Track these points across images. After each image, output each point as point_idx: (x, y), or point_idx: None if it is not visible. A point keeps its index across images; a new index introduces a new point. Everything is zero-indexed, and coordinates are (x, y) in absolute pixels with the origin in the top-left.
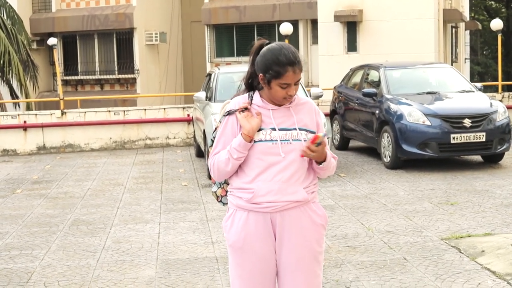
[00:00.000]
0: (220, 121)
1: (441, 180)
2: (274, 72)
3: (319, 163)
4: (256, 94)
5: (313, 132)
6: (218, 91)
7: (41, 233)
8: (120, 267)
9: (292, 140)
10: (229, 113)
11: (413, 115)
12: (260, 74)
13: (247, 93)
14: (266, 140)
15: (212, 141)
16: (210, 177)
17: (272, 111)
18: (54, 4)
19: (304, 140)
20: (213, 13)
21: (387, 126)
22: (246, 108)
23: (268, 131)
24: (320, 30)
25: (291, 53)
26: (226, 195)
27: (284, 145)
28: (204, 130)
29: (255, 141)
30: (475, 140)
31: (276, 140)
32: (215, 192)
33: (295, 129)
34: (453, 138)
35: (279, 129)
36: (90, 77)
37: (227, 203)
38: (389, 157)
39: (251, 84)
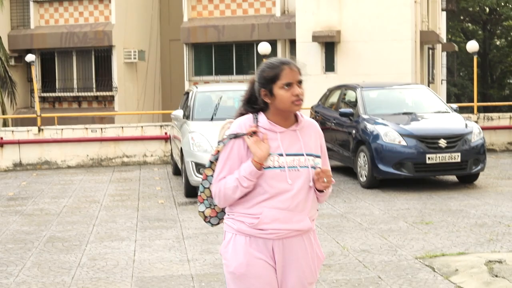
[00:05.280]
0: (223, 143)
1: (417, 199)
2: (271, 76)
3: (320, 190)
4: (262, 116)
5: (318, 157)
6: (196, 110)
7: (16, 249)
8: (95, 284)
9: (300, 167)
10: (236, 136)
11: (389, 135)
12: (261, 89)
13: (251, 114)
14: (274, 167)
15: (211, 162)
16: (187, 195)
17: (280, 134)
18: (33, 21)
19: (312, 167)
20: (192, 32)
21: (363, 146)
22: (254, 132)
23: (276, 157)
24: (298, 50)
25: (282, 58)
26: (216, 216)
27: (292, 172)
28: (181, 148)
29: (263, 168)
30: (450, 161)
31: (284, 167)
32: (203, 212)
33: (303, 154)
34: (429, 158)
35: (287, 155)
36: (68, 94)
37: (216, 224)
38: (365, 176)
39: (250, 101)
